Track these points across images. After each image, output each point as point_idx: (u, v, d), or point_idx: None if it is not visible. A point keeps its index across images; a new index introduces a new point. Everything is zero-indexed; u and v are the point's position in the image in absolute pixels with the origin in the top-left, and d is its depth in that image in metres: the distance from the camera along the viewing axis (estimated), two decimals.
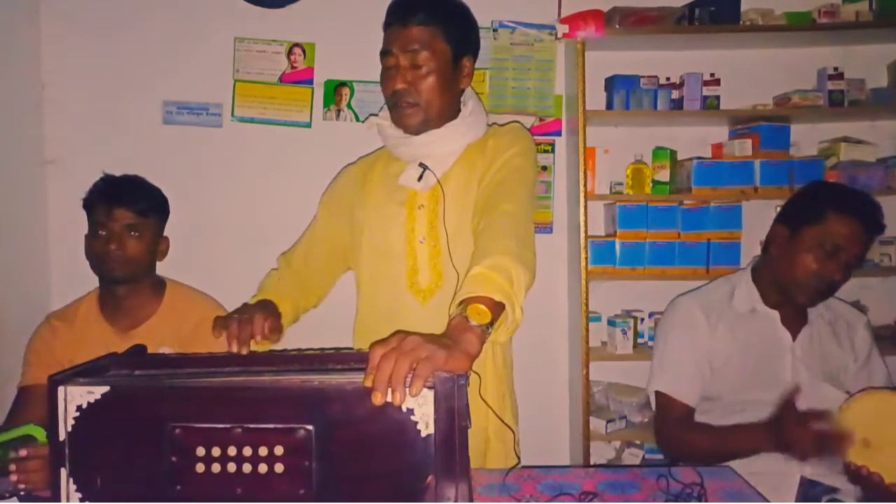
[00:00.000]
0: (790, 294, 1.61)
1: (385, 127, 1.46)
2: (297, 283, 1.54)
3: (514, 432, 1.35)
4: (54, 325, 1.72)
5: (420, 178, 1.41)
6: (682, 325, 1.70)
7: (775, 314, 1.66)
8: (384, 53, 1.40)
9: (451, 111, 1.43)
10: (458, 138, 1.43)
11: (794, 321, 1.66)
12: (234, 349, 1.19)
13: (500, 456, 1.39)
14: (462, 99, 1.47)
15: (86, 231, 1.71)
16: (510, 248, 1.17)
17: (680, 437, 1.65)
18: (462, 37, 1.42)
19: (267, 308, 1.37)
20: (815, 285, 1.57)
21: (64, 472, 0.90)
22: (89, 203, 1.70)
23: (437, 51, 1.37)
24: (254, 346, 1.23)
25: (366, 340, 1.39)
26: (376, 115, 1.49)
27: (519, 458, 1.34)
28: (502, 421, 1.32)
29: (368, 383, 0.88)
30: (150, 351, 1.61)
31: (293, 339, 1.43)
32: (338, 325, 1.59)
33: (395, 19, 1.39)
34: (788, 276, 1.60)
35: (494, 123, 1.52)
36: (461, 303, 1.07)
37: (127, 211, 1.66)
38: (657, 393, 1.69)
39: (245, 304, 1.39)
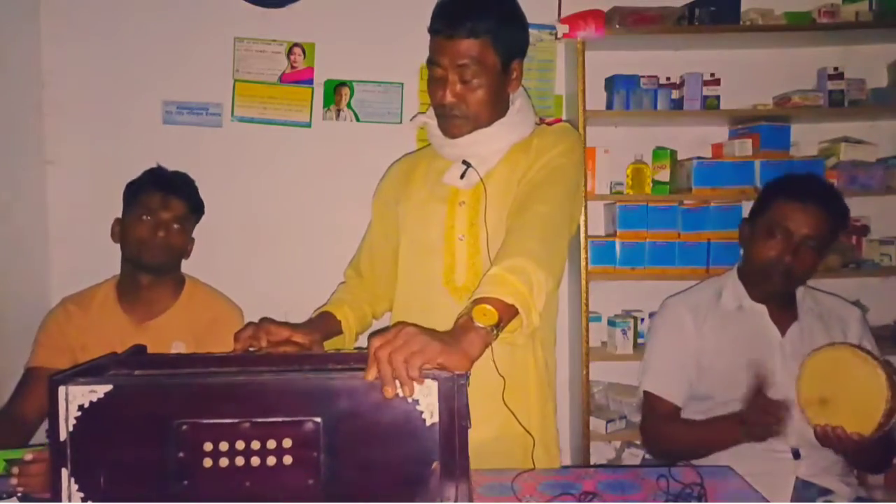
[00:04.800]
0: (759, 285, 1.67)
1: (432, 126, 1.43)
2: (366, 290, 1.54)
3: (533, 439, 1.32)
4: (69, 309, 1.73)
5: (463, 175, 1.39)
6: (669, 325, 1.73)
7: (763, 309, 1.67)
8: (431, 62, 1.35)
9: (500, 115, 1.40)
10: (504, 137, 1.40)
11: (784, 317, 1.67)
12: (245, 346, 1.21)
13: (541, 461, 1.35)
14: (511, 97, 1.42)
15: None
16: (534, 250, 1.15)
17: (661, 431, 1.68)
18: (511, 41, 1.36)
19: (311, 322, 1.40)
20: (773, 271, 1.62)
21: (65, 473, 0.89)
22: (139, 188, 1.73)
23: (486, 64, 1.32)
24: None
25: None
26: (423, 113, 1.47)
27: (534, 464, 1.31)
28: (522, 427, 1.28)
29: (369, 377, 0.90)
30: (163, 344, 1.64)
31: None
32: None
33: (442, 28, 1.32)
34: (752, 267, 1.68)
35: (543, 122, 1.48)
36: (473, 301, 1.06)
37: (182, 203, 1.73)
38: (644, 392, 1.72)
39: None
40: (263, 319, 1.28)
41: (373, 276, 1.55)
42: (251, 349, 1.23)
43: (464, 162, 1.39)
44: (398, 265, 1.49)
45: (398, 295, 1.49)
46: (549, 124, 1.46)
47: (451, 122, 1.36)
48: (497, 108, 1.38)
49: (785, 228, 1.58)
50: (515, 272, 1.10)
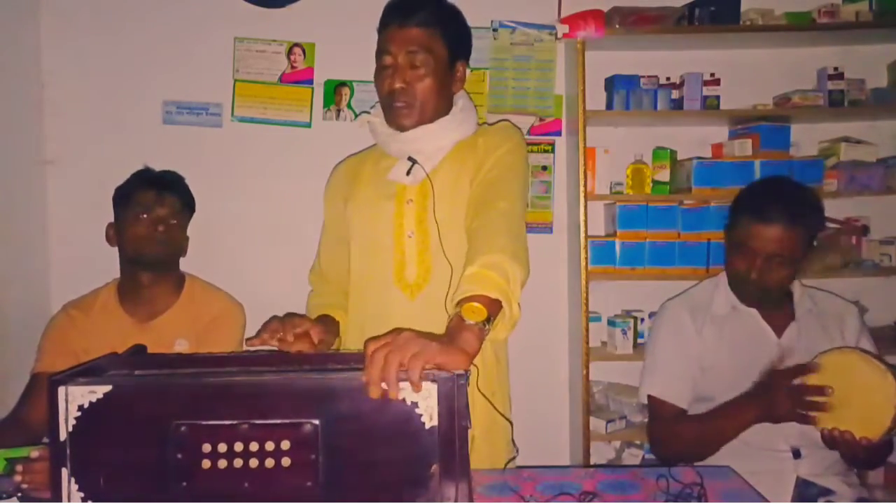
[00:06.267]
0: (739, 293, 1.67)
1: (376, 124, 1.47)
2: (338, 292, 1.56)
3: (510, 423, 1.35)
4: (71, 313, 1.74)
5: (409, 172, 1.42)
6: (670, 327, 1.73)
7: (755, 312, 1.67)
8: (381, 52, 1.41)
9: (443, 112, 1.44)
10: (448, 134, 1.44)
11: (780, 318, 1.66)
12: (273, 342, 1.22)
13: (484, 457, 1.37)
14: (454, 97, 1.48)
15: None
16: (505, 245, 1.18)
17: (669, 432, 1.66)
18: (458, 40, 1.45)
19: (323, 321, 1.40)
20: (744, 284, 1.63)
21: (65, 473, 0.90)
22: (131, 189, 1.75)
23: (435, 53, 1.39)
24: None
25: (354, 334, 1.44)
26: (368, 112, 1.51)
27: (517, 449, 1.34)
28: (496, 409, 1.31)
29: (366, 379, 0.90)
30: (165, 343, 1.65)
31: None
32: None
33: (394, 19, 1.39)
34: (729, 278, 1.69)
35: (485, 123, 1.53)
36: (458, 303, 1.07)
37: (176, 199, 1.76)
38: (649, 397, 1.71)
39: (291, 314, 1.39)
40: (288, 314, 1.31)
41: (337, 278, 1.56)
42: (276, 340, 1.24)
43: (409, 159, 1.42)
44: (350, 265, 1.51)
45: (351, 294, 1.51)
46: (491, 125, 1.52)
47: (398, 112, 1.40)
48: (441, 102, 1.43)
49: (750, 247, 1.57)
50: (493, 268, 1.12)
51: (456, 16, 1.47)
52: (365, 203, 1.48)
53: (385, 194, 1.45)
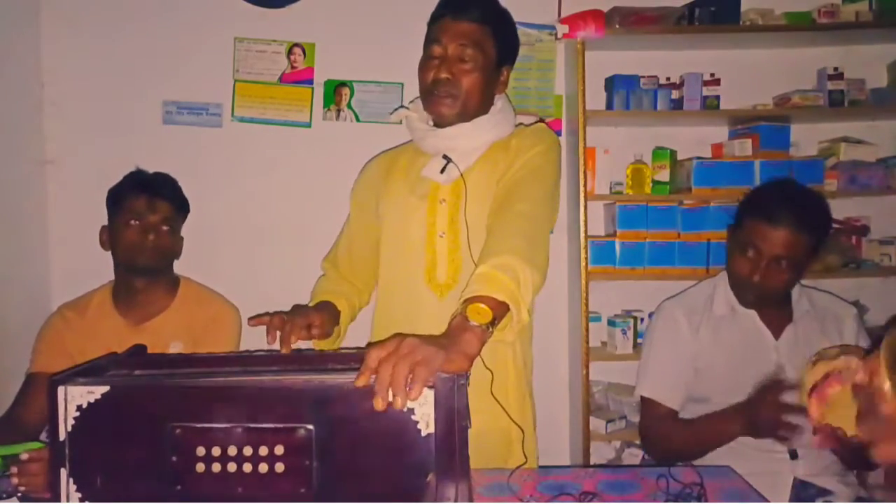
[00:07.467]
0: (739, 294, 1.66)
1: (413, 119, 1.47)
2: (347, 283, 1.56)
3: (523, 432, 1.35)
4: (66, 315, 1.74)
5: (443, 170, 1.41)
6: (665, 329, 1.73)
7: (753, 313, 1.66)
8: (431, 42, 1.41)
9: (482, 112, 1.44)
10: (484, 134, 1.44)
11: (778, 320, 1.66)
12: (272, 342, 1.21)
13: (519, 457, 1.35)
14: (494, 98, 1.48)
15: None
16: (518, 247, 1.17)
17: (660, 433, 1.67)
18: (507, 44, 1.46)
19: (325, 308, 1.40)
20: (746, 286, 1.62)
21: (64, 472, 0.89)
22: (122, 193, 1.72)
23: (485, 50, 1.40)
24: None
25: (384, 333, 1.40)
26: (406, 107, 1.51)
27: (527, 458, 1.33)
28: (512, 420, 1.31)
29: (360, 384, 0.88)
30: (160, 345, 1.65)
31: None
32: (357, 318, 1.59)
33: (449, 11, 1.40)
34: (730, 278, 1.68)
35: (521, 124, 1.52)
36: (464, 302, 1.07)
37: (168, 204, 1.73)
38: (641, 397, 1.72)
39: (297, 305, 1.39)
40: (294, 307, 1.33)
41: (351, 270, 1.57)
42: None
43: (444, 157, 1.41)
44: (379, 262, 1.51)
45: (380, 292, 1.51)
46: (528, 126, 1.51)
47: (441, 101, 1.39)
48: (483, 101, 1.43)
49: (756, 248, 1.56)
50: (504, 269, 1.11)
51: (509, 20, 1.48)
52: (397, 200, 1.48)
53: (418, 193, 1.45)
